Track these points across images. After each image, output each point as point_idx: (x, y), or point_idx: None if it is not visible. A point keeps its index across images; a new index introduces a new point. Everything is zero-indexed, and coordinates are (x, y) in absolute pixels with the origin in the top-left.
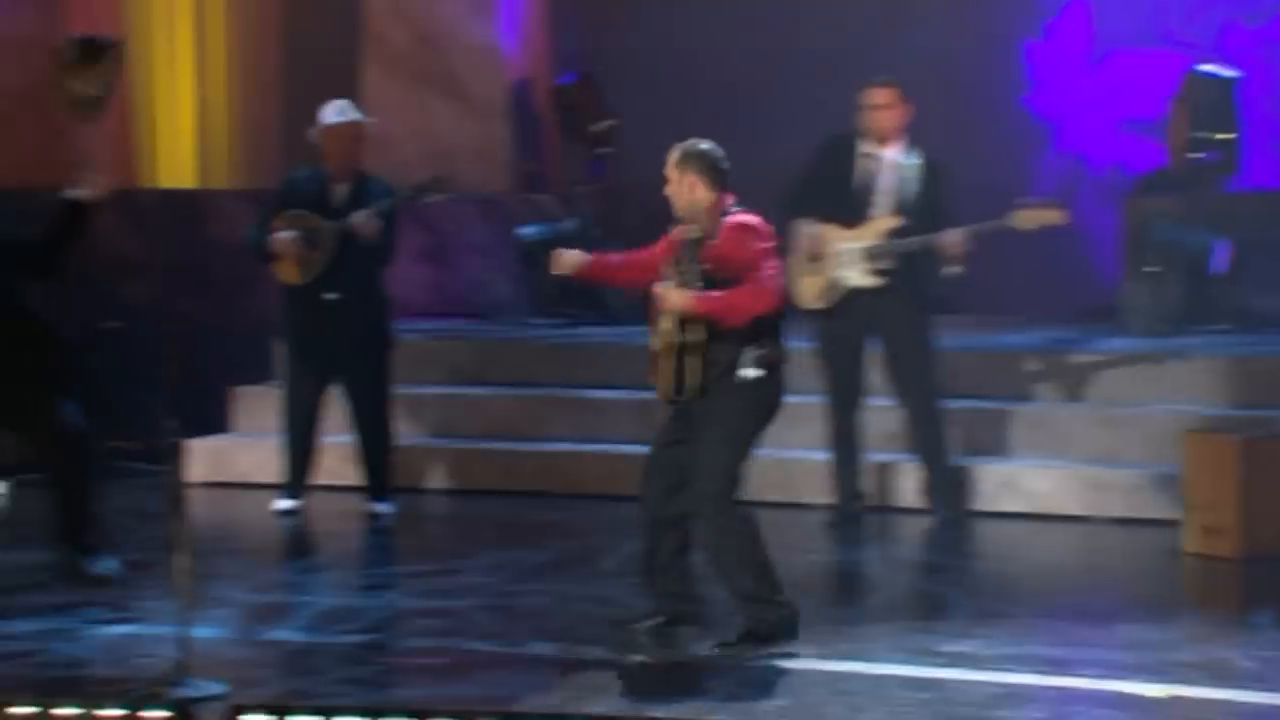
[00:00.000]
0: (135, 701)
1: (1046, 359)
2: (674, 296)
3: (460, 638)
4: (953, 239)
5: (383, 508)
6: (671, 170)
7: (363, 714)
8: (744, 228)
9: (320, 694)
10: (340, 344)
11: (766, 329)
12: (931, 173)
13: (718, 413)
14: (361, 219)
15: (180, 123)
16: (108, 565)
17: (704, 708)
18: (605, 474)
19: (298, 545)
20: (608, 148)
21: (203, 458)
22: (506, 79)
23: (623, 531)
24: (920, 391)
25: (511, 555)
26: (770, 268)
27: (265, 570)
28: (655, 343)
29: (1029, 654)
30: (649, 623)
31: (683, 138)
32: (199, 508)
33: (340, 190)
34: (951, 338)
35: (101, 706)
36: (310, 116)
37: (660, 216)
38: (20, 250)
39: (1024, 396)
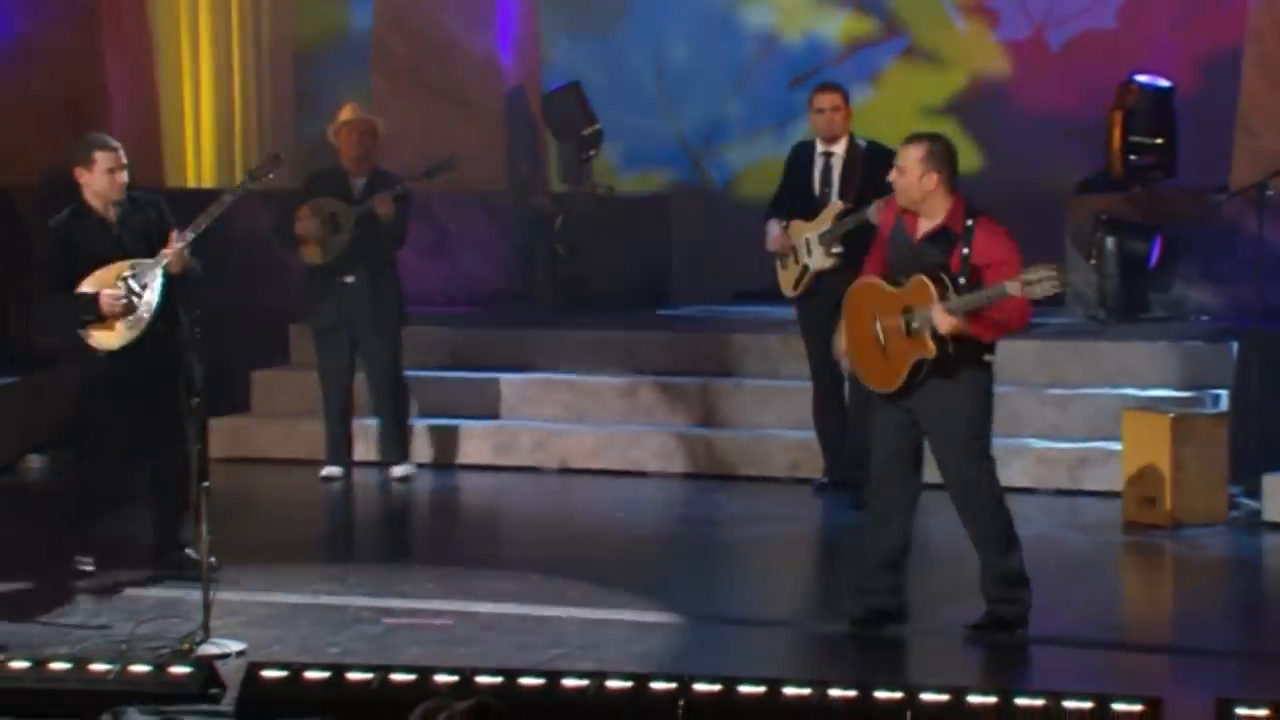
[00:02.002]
0: (163, 658)
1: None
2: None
3: (462, 599)
4: (875, 207)
5: (403, 470)
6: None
7: (370, 670)
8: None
9: (331, 652)
10: (359, 323)
11: None
12: (877, 156)
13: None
14: (380, 199)
15: (202, 125)
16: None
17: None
18: (593, 451)
19: (314, 514)
20: (594, 150)
21: (223, 435)
22: (504, 87)
23: (612, 504)
24: None
25: (511, 526)
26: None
27: (283, 537)
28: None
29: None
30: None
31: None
32: (220, 481)
33: (358, 183)
34: None
35: (131, 662)
36: (319, 122)
37: (635, 211)
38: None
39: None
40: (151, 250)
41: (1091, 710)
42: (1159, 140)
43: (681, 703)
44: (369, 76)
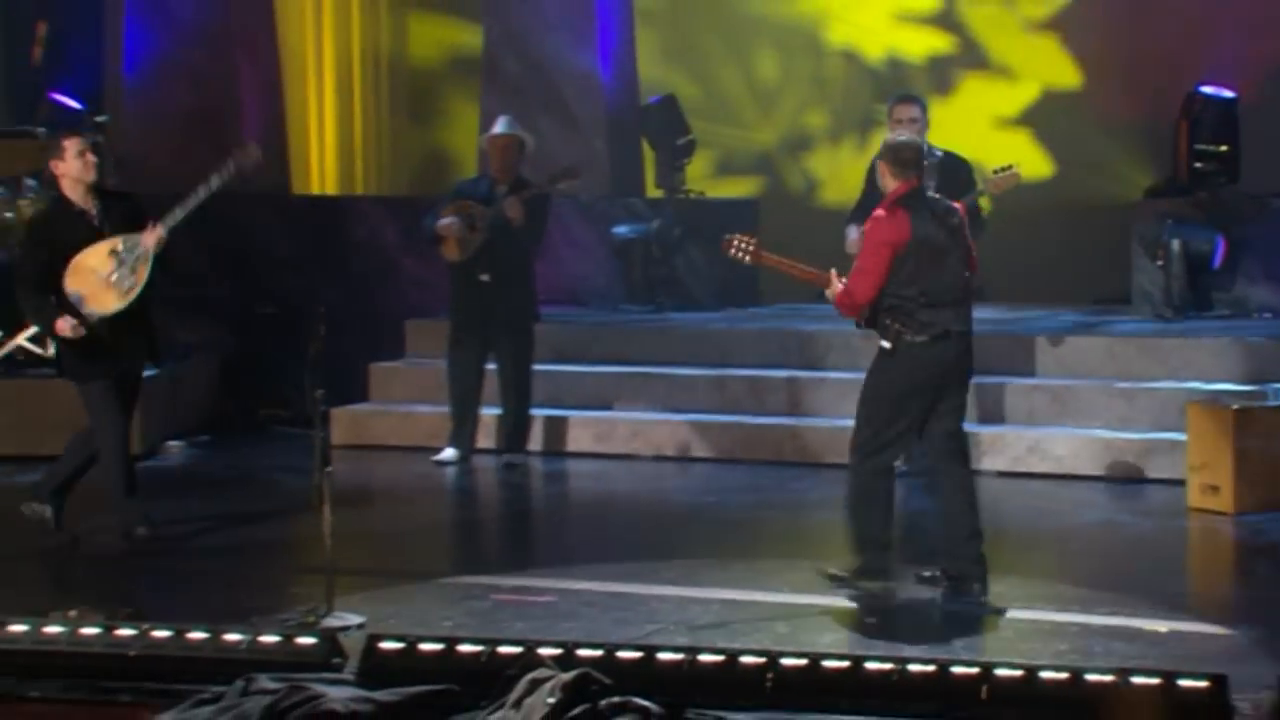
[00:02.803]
0: (289, 629)
1: (1069, 340)
2: (829, 293)
3: (565, 578)
4: None
5: (517, 459)
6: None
7: (480, 643)
8: (871, 219)
9: (444, 625)
10: (493, 319)
11: (904, 308)
12: (951, 168)
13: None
14: (507, 203)
15: (325, 138)
16: None
17: (768, 638)
18: (686, 440)
19: (429, 497)
20: (688, 159)
21: (344, 423)
22: (603, 100)
23: (703, 490)
24: None
25: (608, 510)
26: (858, 268)
27: (399, 519)
28: None
29: (1053, 594)
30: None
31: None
32: (342, 466)
33: (501, 191)
34: (987, 322)
35: (261, 633)
36: (433, 135)
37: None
38: None
39: (1049, 372)
40: (131, 233)
41: (1158, 686)
42: (1223, 148)
43: (770, 676)
44: (479, 91)
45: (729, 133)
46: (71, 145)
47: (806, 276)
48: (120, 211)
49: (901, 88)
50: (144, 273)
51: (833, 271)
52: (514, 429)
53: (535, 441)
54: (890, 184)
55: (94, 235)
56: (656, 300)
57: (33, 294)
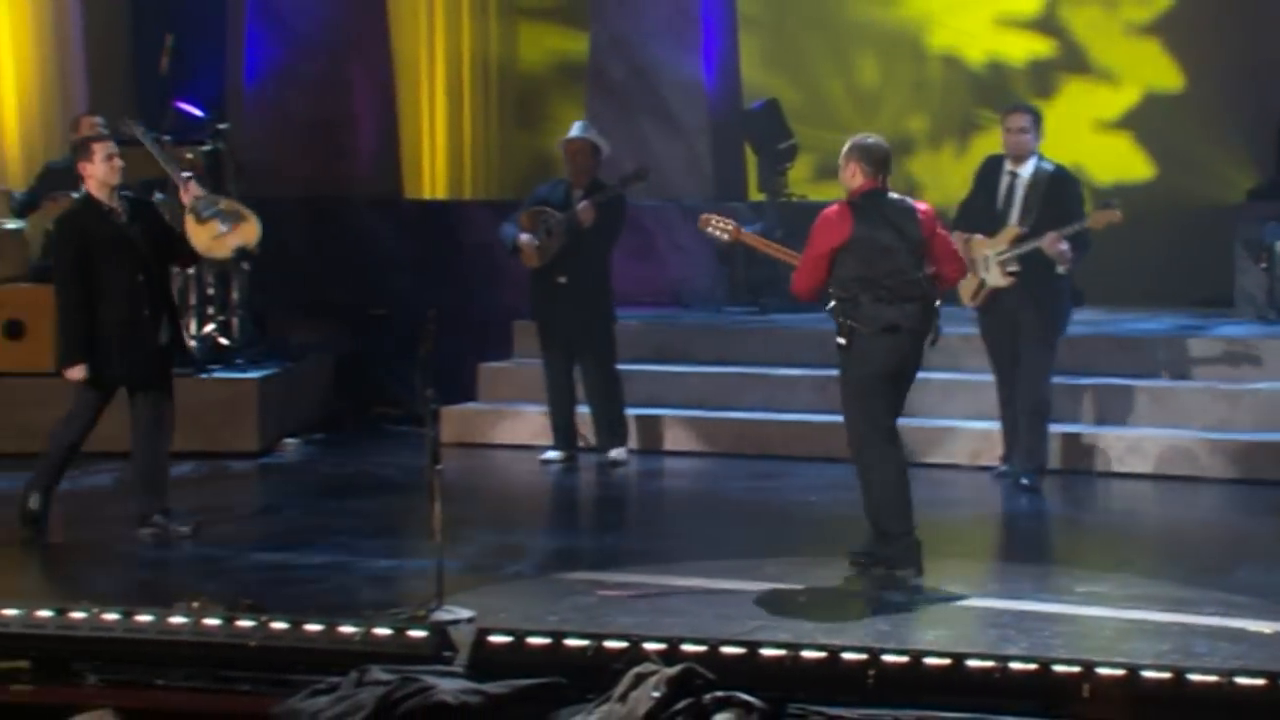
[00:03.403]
0: (401, 623)
1: (1169, 342)
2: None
3: (669, 574)
4: (1049, 240)
5: (616, 453)
6: (842, 158)
7: (586, 637)
8: (821, 215)
9: (551, 620)
10: (573, 321)
11: (852, 302)
12: (1058, 183)
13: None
14: (582, 206)
15: (436, 144)
16: None
17: (869, 635)
18: (787, 438)
19: (535, 494)
20: (790, 163)
21: (454, 422)
22: (707, 105)
23: (806, 489)
24: (1030, 376)
25: (710, 508)
26: (803, 259)
27: (506, 515)
28: None
29: (1154, 594)
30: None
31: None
32: (451, 463)
33: (576, 194)
34: (1089, 324)
35: (374, 625)
36: (540, 140)
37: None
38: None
39: (1149, 374)
40: (158, 238)
41: (1263, 687)
42: None
43: (871, 673)
44: (585, 97)
45: (830, 136)
46: (100, 149)
47: (780, 256)
48: (145, 215)
49: (1006, 94)
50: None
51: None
52: (607, 427)
53: (639, 440)
54: (857, 181)
55: (121, 233)
56: (759, 301)
57: (70, 296)
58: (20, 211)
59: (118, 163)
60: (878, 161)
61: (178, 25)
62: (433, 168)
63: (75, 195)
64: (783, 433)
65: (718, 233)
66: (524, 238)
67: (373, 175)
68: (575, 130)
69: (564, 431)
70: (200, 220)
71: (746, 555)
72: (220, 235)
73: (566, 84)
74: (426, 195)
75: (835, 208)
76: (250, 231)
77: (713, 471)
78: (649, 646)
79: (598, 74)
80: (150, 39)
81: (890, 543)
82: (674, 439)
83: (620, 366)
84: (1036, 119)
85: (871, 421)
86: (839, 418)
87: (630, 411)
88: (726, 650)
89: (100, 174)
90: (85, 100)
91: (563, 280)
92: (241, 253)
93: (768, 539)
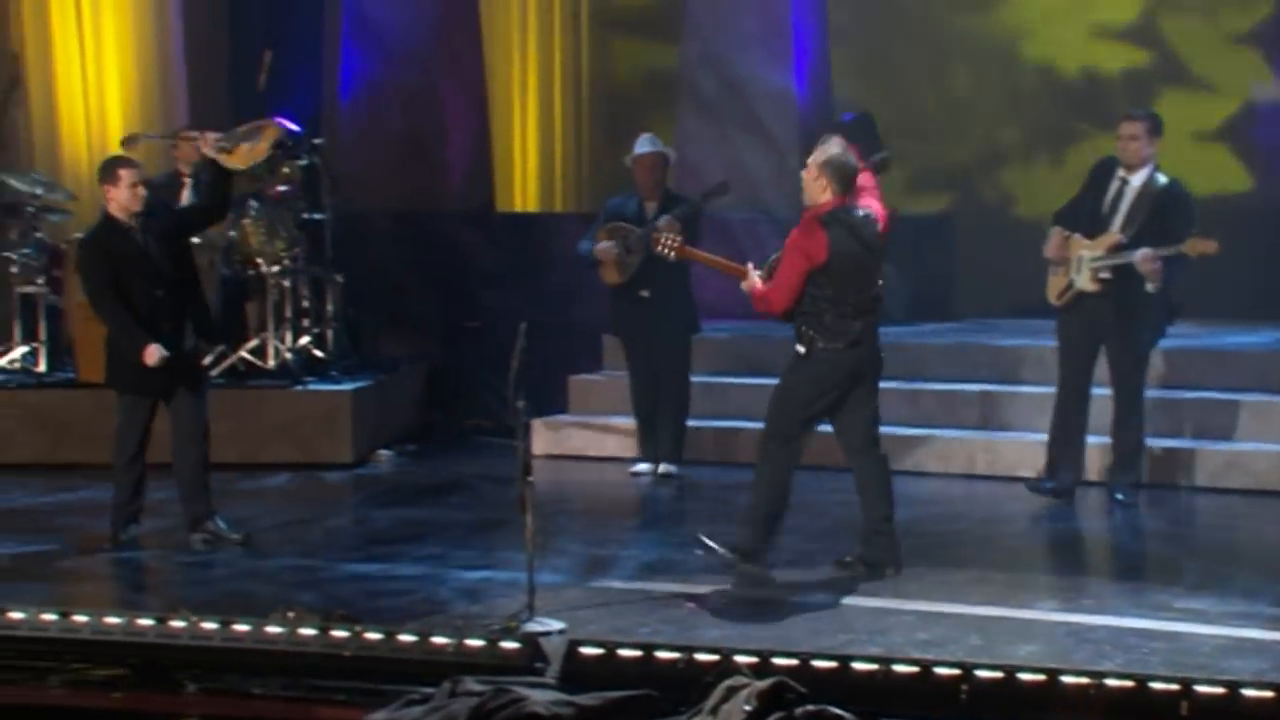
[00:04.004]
0: (493, 634)
1: (1269, 356)
2: (744, 285)
3: (760, 587)
4: (1141, 257)
5: (671, 468)
6: (813, 168)
7: (677, 650)
8: (794, 233)
9: (642, 632)
10: (656, 334)
11: (824, 315)
12: (1169, 199)
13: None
14: (663, 223)
15: (528, 156)
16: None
17: (962, 650)
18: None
19: (625, 506)
20: (882, 174)
21: (545, 434)
22: (798, 118)
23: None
24: (1124, 390)
25: (800, 520)
26: (781, 276)
27: (596, 527)
28: None
29: (1255, 612)
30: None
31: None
32: (542, 475)
33: (650, 207)
34: (1186, 338)
35: (466, 636)
36: (629, 153)
37: (924, 230)
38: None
39: (1248, 388)
40: (169, 245)
41: None
42: None
43: (965, 688)
44: (676, 110)
45: (923, 148)
46: (126, 175)
47: (727, 270)
48: (156, 226)
49: (1101, 105)
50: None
51: (749, 265)
52: (671, 441)
53: (724, 453)
54: (826, 196)
55: (140, 251)
56: None
57: (114, 309)
58: None
59: (141, 191)
60: (848, 180)
61: (275, 42)
62: (524, 181)
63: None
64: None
65: (666, 250)
66: (602, 246)
67: (465, 188)
68: (644, 145)
69: (652, 444)
70: (230, 150)
71: (838, 569)
72: (254, 147)
73: (657, 97)
74: (518, 208)
75: (810, 226)
76: (273, 130)
77: (801, 484)
78: (740, 659)
79: (688, 87)
80: (248, 55)
81: (752, 535)
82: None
83: (709, 380)
84: (1151, 127)
85: (792, 428)
86: (928, 430)
87: (719, 424)
88: (818, 664)
89: (123, 199)
90: (186, 116)
91: (645, 294)
92: (279, 146)
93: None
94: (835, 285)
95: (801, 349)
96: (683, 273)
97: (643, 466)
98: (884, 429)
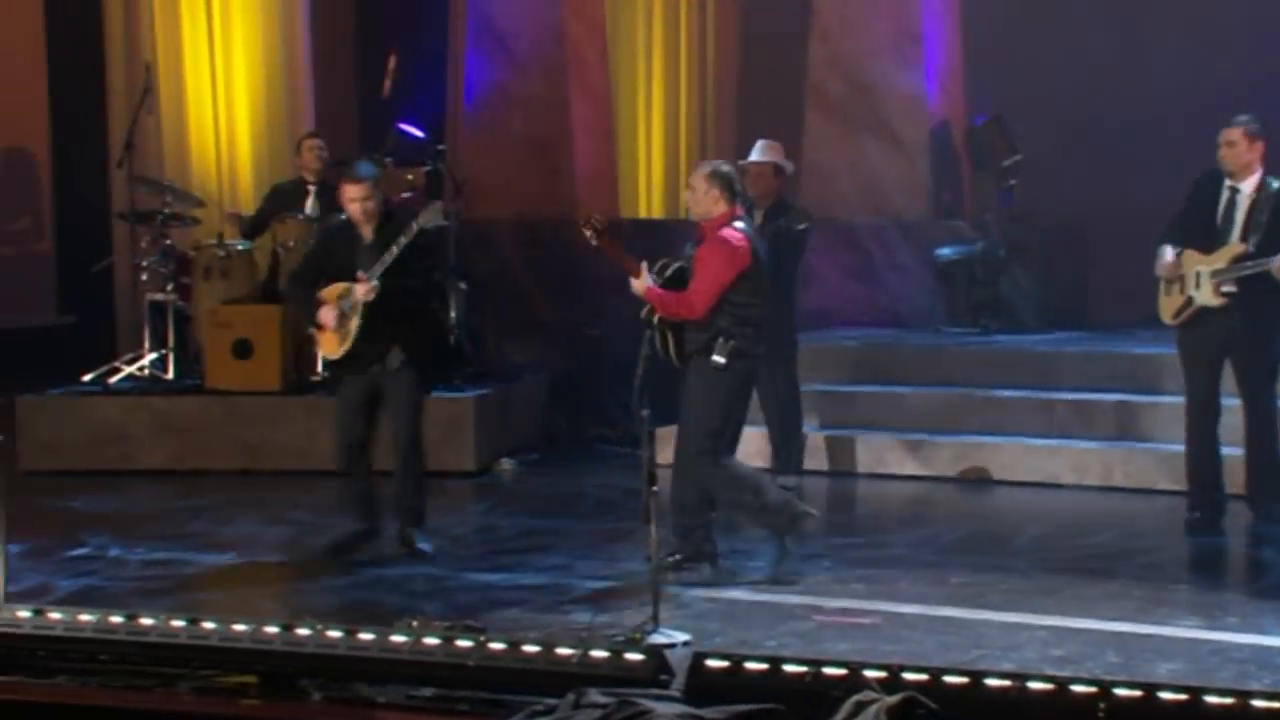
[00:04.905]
0: (618, 645)
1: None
2: (636, 283)
3: (888, 600)
4: (1277, 264)
5: (789, 480)
6: (699, 182)
7: (804, 664)
8: (719, 240)
9: (769, 645)
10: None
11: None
12: None
13: (694, 389)
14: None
15: (653, 163)
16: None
17: (1099, 668)
18: (1010, 463)
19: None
20: (1014, 180)
21: (668, 442)
22: (928, 121)
23: (1027, 514)
24: (1258, 403)
25: (930, 533)
26: (705, 283)
27: (720, 537)
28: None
29: None
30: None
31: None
32: (667, 484)
33: (759, 216)
34: None
35: (591, 647)
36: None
37: (1054, 237)
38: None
39: None
40: (406, 268)
41: None
42: None
43: (1102, 706)
44: (804, 114)
45: (1056, 152)
46: (347, 190)
47: (626, 265)
48: (387, 232)
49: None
50: (354, 323)
51: (644, 264)
52: (786, 452)
53: (853, 462)
54: (720, 208)
55: (357, 263)
56: (980, 322)
57: (302, 290)
58: (249, 233)
59: (361, 206)
60: (735, 190)
61: (400, 48)
62: (649, 186)
63: (300, 216)
64: (1005, 456)
65: (590, 234)
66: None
67: (589, 194)
68: (756, 153)
69: (781, 458)
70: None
71: (969, 582)
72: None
73: (784, 100)
74: (642, 214)
75: (731, 233)
76: (330, 346)
77: (933, 496)
78: (869, 674)
79: (817, 91)
80: (375, 61)
81: (688, 536)
82: (894, 462)
83: (836, 388)
84: (1250, 132)
85: (719, 441)
86: (1063, 441)
87: (851, 433)
88: (950, 679)
89: (351, 211)
90: (312, 121)
91: None
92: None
93: (991, 566)
94: (750, 294)
95: (721, 359)
96: (788, 283)
97: (785, 480)
98: (1016, 438)
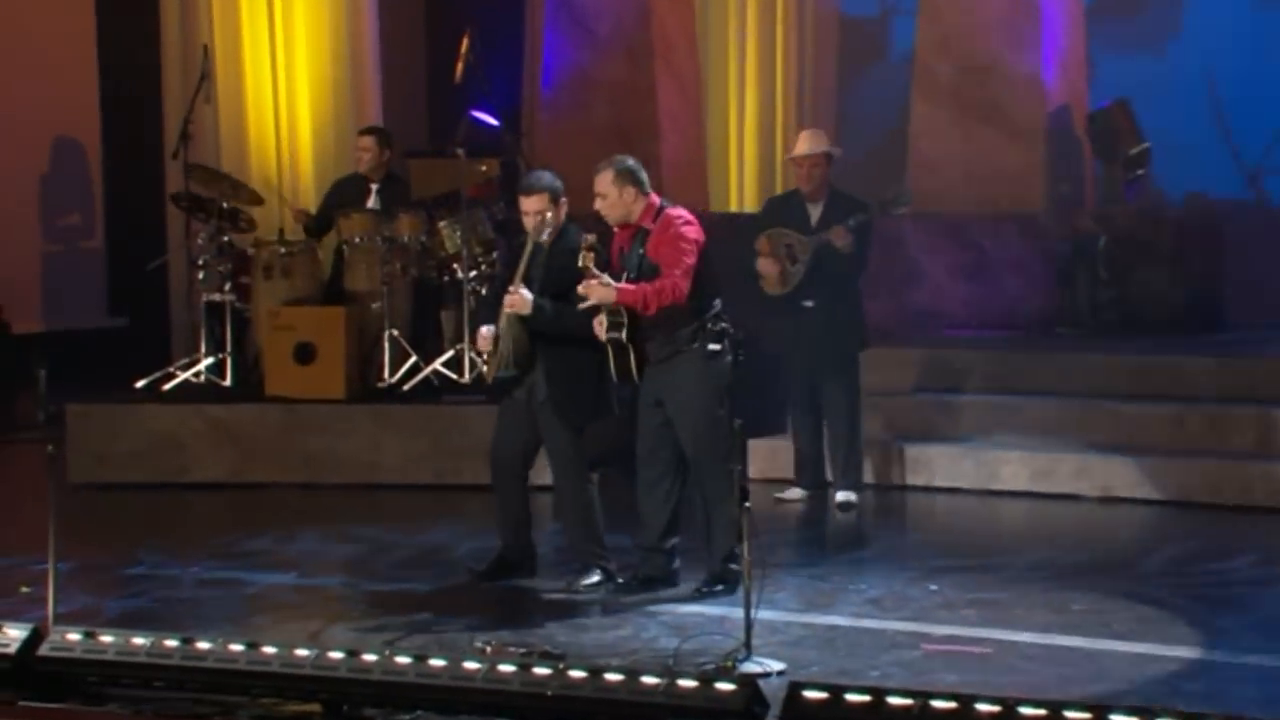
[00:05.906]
0: (707, 674)
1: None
2: (602, 292)
3: (1001, 627)
4: None
5: (847, 496)
6: (608, 187)
7: (911, 695)
8: (682, 221)
9: (871, 675)
10: (819, 347)
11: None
12: None
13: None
14: (837, 232)
15: (745, 154)
16: None
17: (1230, 706)
18: (1138, 479)
19: (843, 535)
20: (1141, 170)
21: (763, 456)
22: (1046, 106)
23: (1157, 535)
24: None
25: (1048, 554)
26: (677, 262)
27: (818, 558)
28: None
29: None
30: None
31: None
32: (759, 501)
33: (814, 209)
34: None
35: (678, 676)
36: (860, 148)
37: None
38: None
39: None
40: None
41: None
42: None
43: None
44: (909, 99)
45: (1190, 139)
46: (523, 203)
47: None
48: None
49: None
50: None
51: (604, 275)
52: (846, 463)
53: (962, 477)
54: (640, 204)
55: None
56: (1102, 325)
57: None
58: (316, 231)
59: (549, 217)
60: (642, 176)
61: (474, 29)
62: (741, 180)
63: (365, 210)
64: (1132, 472)
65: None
66: (763, 262)
67: (677, 186)
68: (804, 144)
69: (808, 467)
70: None
71: (1090, 609)
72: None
73: (888, 84)
74: (734, 208)
75: (679, 214)
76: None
77: (1051, 514)
78: (982, 708)
79: (925, 74)
80: (445, 44)
81: (651, 557)
82: (1005, 476)
83: (945, 397)
84: None
85: (726, 430)
86: (1196, 456)
87: (953, 446)
88: (1071, 714)
89: (524, 224)
90: (379, 114)
91: (808, 304)
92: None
93: (1115, 592)
94: (710, 280)
95: (716, 347)
96: (849, 283)
97: (794, 492)
98: (1145, 456)
